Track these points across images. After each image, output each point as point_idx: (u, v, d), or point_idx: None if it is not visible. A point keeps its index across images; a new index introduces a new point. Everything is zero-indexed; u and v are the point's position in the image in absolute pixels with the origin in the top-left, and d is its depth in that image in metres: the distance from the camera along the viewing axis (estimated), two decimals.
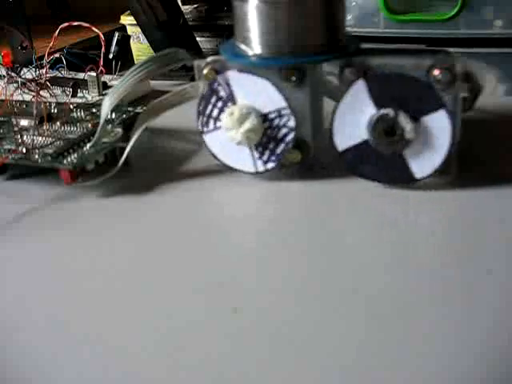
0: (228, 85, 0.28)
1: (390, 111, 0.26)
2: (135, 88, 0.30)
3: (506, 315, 0.20)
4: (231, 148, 0.29)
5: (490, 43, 0.65)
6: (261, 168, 0.29)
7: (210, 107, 0.29)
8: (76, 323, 0.21)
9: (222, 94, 0.28)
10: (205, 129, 0.29)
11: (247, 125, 0.28)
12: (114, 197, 0.29)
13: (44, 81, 0.36)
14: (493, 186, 0.27)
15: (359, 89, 0.26)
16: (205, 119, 0.29)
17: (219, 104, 0.29)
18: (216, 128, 0.29)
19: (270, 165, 0.29)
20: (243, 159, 0.29)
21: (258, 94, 0.28)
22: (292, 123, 0.28)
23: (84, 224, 0.27)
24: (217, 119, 0.29)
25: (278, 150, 0.28)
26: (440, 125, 0.26)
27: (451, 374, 0.18)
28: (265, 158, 0.29)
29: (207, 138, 0.29)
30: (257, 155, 0.29)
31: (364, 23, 0.68)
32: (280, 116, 0.28)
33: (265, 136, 0.28)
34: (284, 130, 0.28)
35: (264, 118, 0.28)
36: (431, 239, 0.24)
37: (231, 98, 0.28)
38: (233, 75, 0.28)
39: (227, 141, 0.29)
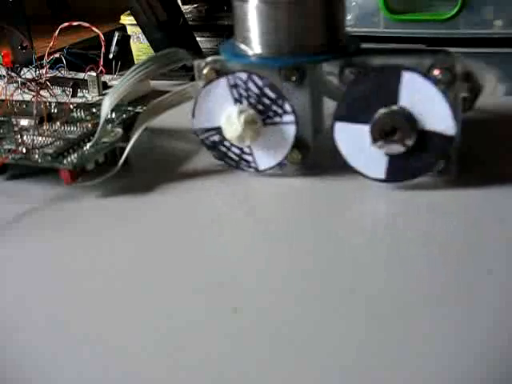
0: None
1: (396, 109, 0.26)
2: (135, 88, 0.30)
3: (506, 315, 0.20)
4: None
5: (490, 43, 0.65)
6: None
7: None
8: (76, 323, 0.21)
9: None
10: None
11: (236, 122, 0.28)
12: (114, 197, 0.29)
13: (44, 81, 0.36)
14: (493, 185, 0.27)
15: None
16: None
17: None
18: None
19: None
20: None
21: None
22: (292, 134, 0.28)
23: (84, 224, 0.27)
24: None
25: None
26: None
27: (451, 373, 0.18)
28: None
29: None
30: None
31: (364, 23, 0.68)
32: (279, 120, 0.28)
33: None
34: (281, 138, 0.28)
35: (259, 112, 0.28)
36: (431, 239, 0.24)
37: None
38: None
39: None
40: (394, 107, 0.26)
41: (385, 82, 0.26)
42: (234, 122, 0.28)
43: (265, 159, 0.29)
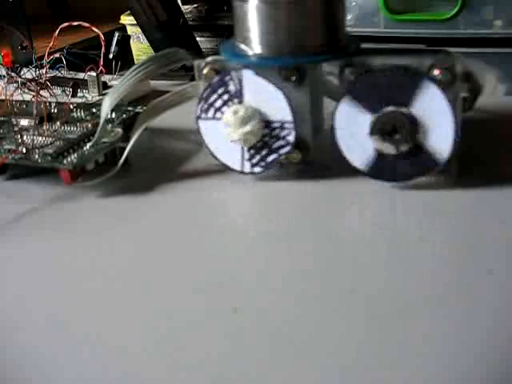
0: (240, 82, 0.28)
1: (388, 111, 0.26)
2: (135, 88, 0.30)
3: (506, 315, 0.20)
4: (223, 141, 0.29)
5: (489, 43, 0.65)
6: (247, 169, 0.29)
7: (214, 96, 0.29)
8: (76, 323, 0.21)
9: (232, 88, 0.28)
10: (203, 115, 0.29)
11: (248, 127, 0.28)
12: (114, 197, 0.29)
13: (44, 81, 0.36)
14: (493, 186, 0.27)
15: (349, 104, 0.27)
16: (206, 106, 0.29)
17: (225, 97, 0.28)
18: (215, 118, 0.29)
19: (257, 169, 0.29)
20: (232, 156, 0.29)
21: (268, 100, 0.28)
22: (292, 138, 0.28)
23: (84, 224, 0.27)
24: (218, 110, 0.29)
25: (270, 159, 0.28)
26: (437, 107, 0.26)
27: (451, 373, 0.18)
28: (254, 161, 0.29)
29: (202, 124, 0.29)
30: (247, 156, 0.29)
31: (364, 23, 0.68)
32: (282, 128, 0.28)
33: (261, 141, 0.28)
34: (281, 142, 0.28)
35: (266, 124, 0.28)
36: (431, 239, 0.24)
37: (239, 96, 0.28)
38: (247, 75, 0.28)
39: (222, 134, 0.28)
40: (397, 108, 0.26)
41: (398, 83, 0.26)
42: (244, 124, 0.28)
43: (211, 140, 0.29)
